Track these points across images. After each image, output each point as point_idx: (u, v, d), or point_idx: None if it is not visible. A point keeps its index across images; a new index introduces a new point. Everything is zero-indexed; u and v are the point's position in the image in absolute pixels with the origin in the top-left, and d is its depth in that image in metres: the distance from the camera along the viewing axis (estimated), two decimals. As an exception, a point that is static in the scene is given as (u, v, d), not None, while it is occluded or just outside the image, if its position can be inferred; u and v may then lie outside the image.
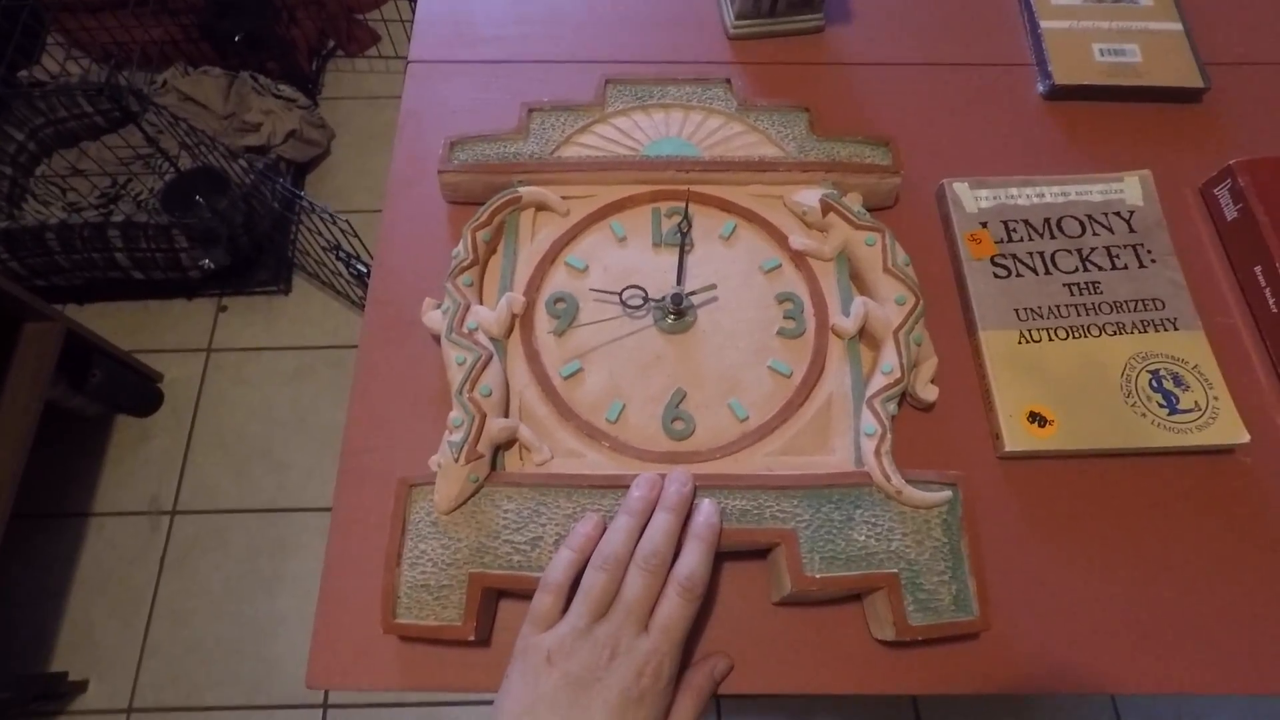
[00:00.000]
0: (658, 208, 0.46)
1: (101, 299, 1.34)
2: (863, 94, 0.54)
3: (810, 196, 0.45)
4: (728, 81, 0.50)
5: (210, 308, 1.36)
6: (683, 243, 0.44)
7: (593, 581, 0.34)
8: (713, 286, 0.43)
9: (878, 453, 0.38)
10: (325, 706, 1.09)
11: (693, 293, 0.43)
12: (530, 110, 0.49)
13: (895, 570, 0.37)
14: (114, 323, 1.32)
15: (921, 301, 0.43)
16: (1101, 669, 0.38)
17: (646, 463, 0.40)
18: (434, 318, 0.43)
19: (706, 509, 0.37)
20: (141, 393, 1.25)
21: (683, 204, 0.46)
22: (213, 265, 1.24)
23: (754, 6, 0.53)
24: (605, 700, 0.32)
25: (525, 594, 0.38)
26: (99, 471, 1.22)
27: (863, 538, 0.37)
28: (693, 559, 0.35)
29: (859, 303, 0.42)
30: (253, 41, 1.41)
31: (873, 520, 0.37)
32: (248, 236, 1.28)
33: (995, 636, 0.39)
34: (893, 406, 0.40)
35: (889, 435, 0.39)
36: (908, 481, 0.38)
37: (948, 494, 0.38)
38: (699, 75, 0.50)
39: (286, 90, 1.40)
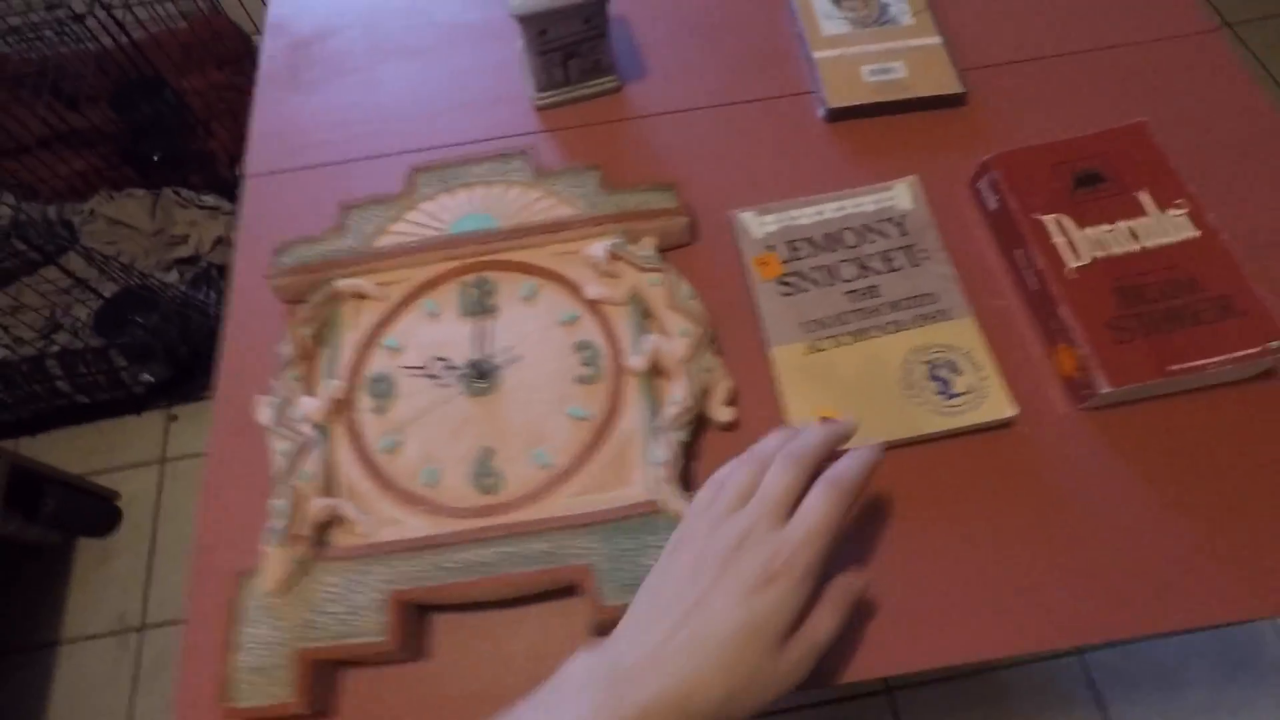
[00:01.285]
0: (465, 280, 0.50)
1: (52, 427, 1.38)
2: (658, 143, 0.58)
3: (600, 248, 0.49)
4: (523, 153, 0.54)
5: (160, 420, 1.40)
6: (480, 310, 0.48)
7: (735, 475, 0.35)
8: (509, 348, 0.47)
9: (665, 480, 0.41)
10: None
11: (490, 357, 0.46)
12: (346, 208, 0.53)
13: (688, 587, 0.39)
14: (67, 448, 1.35)
15: (707, 331, 0.46)
16: (904, 648, 0.40)
17: (461, 519, 0.42)
18: (265, 413, 0.46)
19: (848, 426, 0.38)
20: (99, 513, 1.28)
21: (488, 272, 0.50)
22: (153, 378, 1.28)
23: (548, 78, 0.58)
24: (726, 586, 0.31)
25: (353, 660, 0.41)
26: (64, 597, 1.24)
27: (652, 562, 0.40)
28: (849, 460, 0.35)
29: (649, 341, 0.46)
30: (171, 159, 1.47)
31: (662, 544, 0.40)
32: (186, 346, 1.32)
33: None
34: (683, 434, 0.43)
35: (677, 461, 0.42)
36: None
37: (733, 508, 0.41)
38: (500, 151, 0.54)
39: (210, 199, 1.46)
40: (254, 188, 0.59)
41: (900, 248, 0.50)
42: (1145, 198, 0.48)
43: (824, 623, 0.34)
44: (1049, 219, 0.48)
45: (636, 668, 0.31)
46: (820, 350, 0.47)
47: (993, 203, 0.51)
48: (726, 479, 0.36)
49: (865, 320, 0.48)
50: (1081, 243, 0.47)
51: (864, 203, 0.52)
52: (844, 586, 0.35)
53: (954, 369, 0.46)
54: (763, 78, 0.61)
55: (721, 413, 0.45)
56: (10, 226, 1.42)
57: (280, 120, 0.63)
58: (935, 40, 0.59)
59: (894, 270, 0.49)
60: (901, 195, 0.52)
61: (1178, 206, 0.48)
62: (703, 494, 0.36)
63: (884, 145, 0.56)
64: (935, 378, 0.46)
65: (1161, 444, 0.45)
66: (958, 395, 0.45)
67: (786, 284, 0.49)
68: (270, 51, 0.67)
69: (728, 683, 0.31)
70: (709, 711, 0.30)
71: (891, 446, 0.45)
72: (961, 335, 0.47)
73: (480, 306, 0.49)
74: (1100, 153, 0.50)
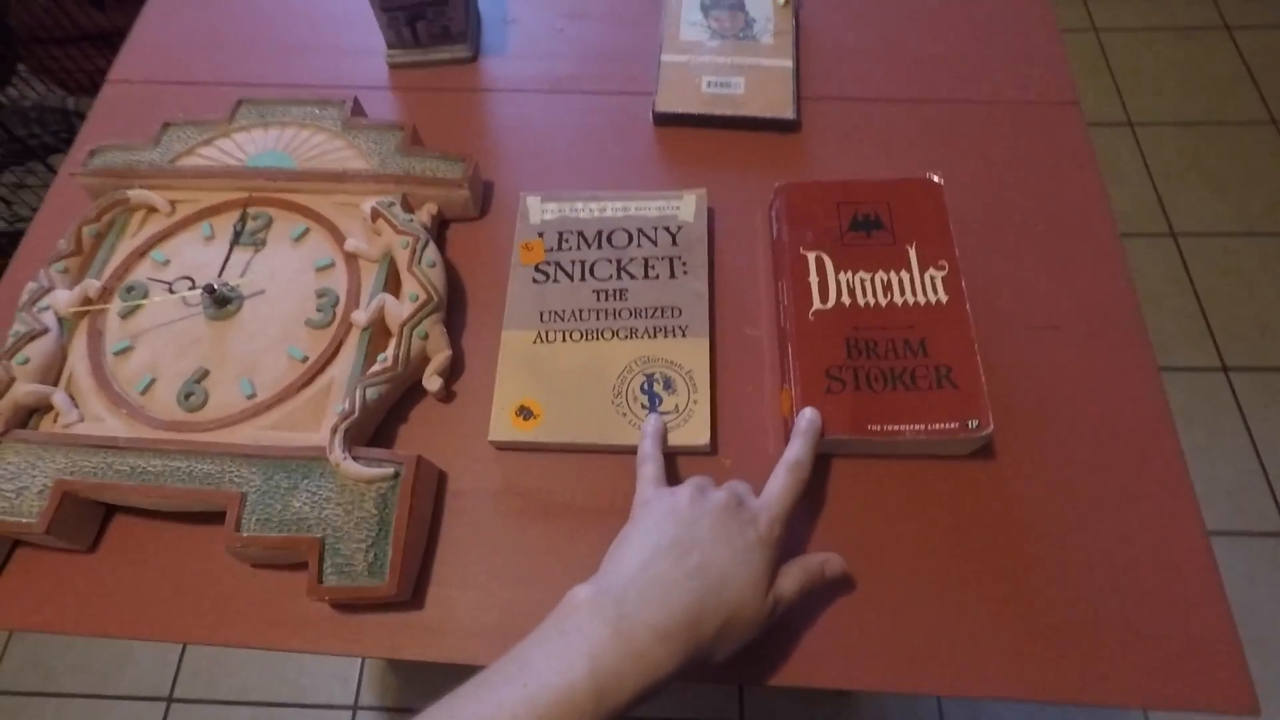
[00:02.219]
0: (248, 212, 0.52)
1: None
2: (494, 119, 0.59)
3: (368, 204, 0.50)
4: (342, 103, 0.55)
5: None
6: (234, 241, 0.49)
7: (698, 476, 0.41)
8: (244, 282, 0.48)
9: (335, 429, 0.42)
10: None
11: (235, 286, 0.48)
12: (166, 124, 0.55)
13: (320, 535, 0.40)
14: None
15: (435, 299, 0.47)
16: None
17: (155, 430, 0.44)
18: (22, 298, 0.49)
19: (809, 413, 0.42)
20: None
21: (269, 209, 0.52)
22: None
23: (396, 36, 0.59)
24: (725, 535, 0.36)
25: (13, 537, 0.43)
26: None
27: (299, 504, 0.41)
28: (797, 446, 0.41)
29: (378, 298, 0.47)
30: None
31: (314, 490, 0.41)
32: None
33: (438, 608, 0.42)
34: (376, 391, 0.44)
35: (355, 415, 0.43)
36: (361, 459, 0.42)
37: (389, 471, 0.41)
38: (323, 98, 0.56)
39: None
40: (110, 93, 0.62)
41: (666, 257, 0.50)
42: (912, 253, 0.47)
43: (792, 581, 0.38)
44: (812, 255, 0.47)
45: (644, 596, 0.34)
46: (547, 342, 0.47)
47: (774, 231, 0.50)
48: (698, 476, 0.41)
49: (602, 322, 0.48)
50: (833, 286, 0.46)
51: (649, 207, 0.51)
52: (820, 560, 0.40)
53: (669, 386, 0.45)
54: (617, 71, 0.61)
55: (431, 381, 0.46)
56: (32, 110, 1.51)
57: (163, 32, 0.65)
58: (786, 63, 0.58)
59: (650, 278, 0.49)
60: (686, 207, 0.51)
61: (938, 268, 0.46)
62: (647, 468, 0.41)
63: (705, 158, 0.56)
64: (646, 391, 0.45)
65: (854, 503, 0.44)
66: (661, 413, 0.45)
67: (541, 271, 0.49)
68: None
69: (721, 623, 0.34)
70: (713, 636, 0.34)
71: (590, 450, 0.45)
72: (691, 355, 0.46)
73: (251, 239, 0.51)
74: (886, 200, 0.49)
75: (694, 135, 0.57)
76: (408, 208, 0.51)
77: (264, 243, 0.51)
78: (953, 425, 0.42)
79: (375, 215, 0.49)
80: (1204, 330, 1.42)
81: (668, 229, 0.51)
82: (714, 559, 0.35)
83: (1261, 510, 1.27)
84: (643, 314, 0.48)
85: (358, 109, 0.56)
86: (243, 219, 0.51)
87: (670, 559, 0.35)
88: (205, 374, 0.46)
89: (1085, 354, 0.47)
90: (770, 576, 0.37)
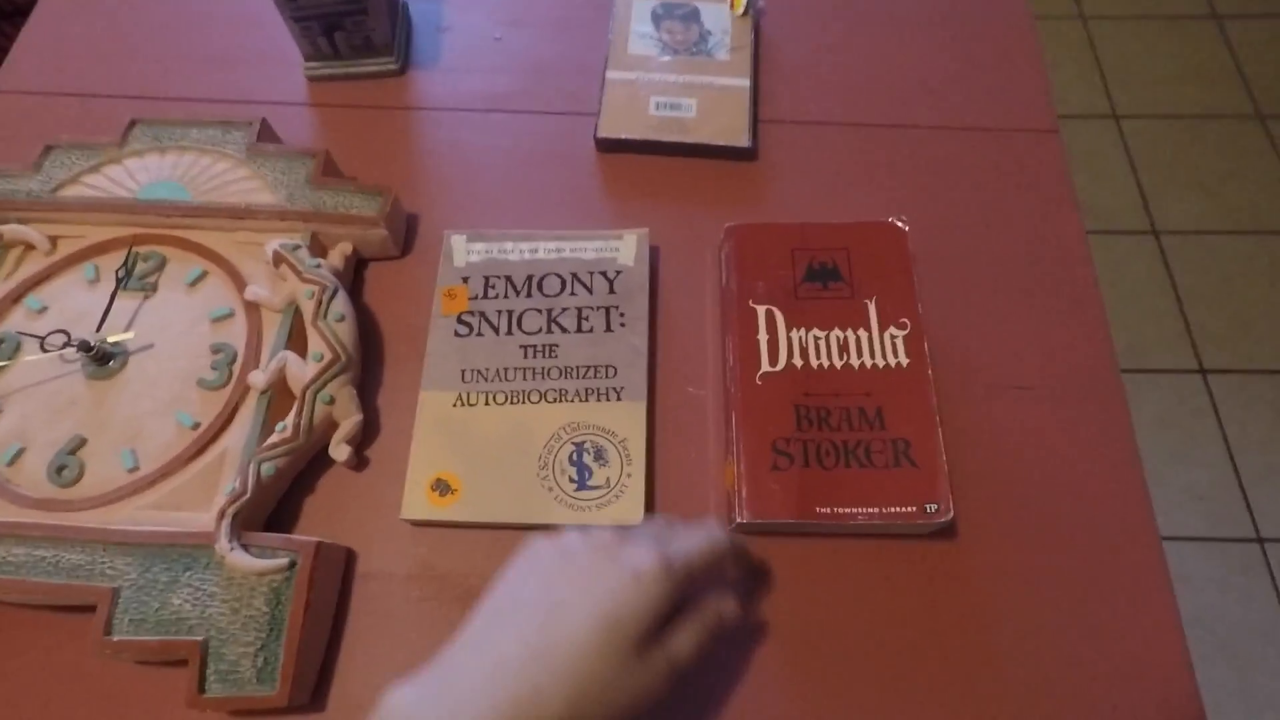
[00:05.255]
0: (138, 252, 0.46)
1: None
2: (419, 140, 0.53)
3: (271, 246, 0.45)
4: (249, 124, 0.49)
5: None
6: (119, 286, 0.44)
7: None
8: (131, 337, 0.43)
9: (222, 512, 0.38)
10: None
11: (118, 342, 0.43)
12: (48, 147, 0.49)
13: (202, 638, 0.36)
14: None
15: (343, 359, 0.42)
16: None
17: (21, 510, 0.39)
18: (-120, 351, 0.44)
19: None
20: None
21: (162, 247, 0.46)
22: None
23: (313, 48, 0.53)
24: (594, 583, 0.29)
25: None
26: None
27: (180, 601, 0.37)
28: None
29: (279, 357, 0.42)
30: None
31: (198, 584, 0.37)
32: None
33: (342, 711, 0.38)
34: (270, 467, 0.39)
35: (247, 496, 0.38)
36: (253, 547, 0.37)
37: (283, 562, 0.37)
38: (226, 118, 0.50)
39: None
40: (6, 104, 0.56)
41: (602, 308, 0.45)
42: (872, 309, 0.43)
43: (687, 637, 0.31)
44: (762, 309, 0.43)
45: (473, 683, 0.28)
46: (469, 405, 0.43)
47: (723, 277, 0.46)
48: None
49: (529, 382, 0.43)
50: (784, 345, 0.42)
51: (586, 249, 0.47)
52: (714, 606, 0.33)
53: (600, 457, 0.41)
54: (558, 88, 0.55)
55: (339, 450, 0.42)
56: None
57: (56, 36, 0.59)
58: (743, 83, 0.52)
59: (583, 332, 0.44)
60: (627, 249, 0.46)
61: (900, 326, 0.42)
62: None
63: (651, 188, 0.51)
64: (575, 463, 0.41)
65: (799, 585, 0.40)
66: (592, 488, 0.40)
67: (464, 323, 0.45)
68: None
69: (572, 693, 0.27)
70: (565, 714, 0.27)
71: (510, 528, 0.41)
72: (625, 421, 0.42)
73: (140, 284, 0.45)
74: (846, 246, 0.44)
75: (640, 162, 0.52)
76: (318, 249, 0.46)
77: (154, 288, 0.45)
78: (909, 509, 0.38)
79: (278, 260, 0.44)
80: (1182, 331, 1.40)
81: (605, 274, 0.46)
82: (571, 620, 0.28)
83: (1234, 516, 1.26)
84: (574, 373, 0.43)
85: (266, 132, 0.50)
86: (129, 261, 0.45)
87: (514, 631, 0.29)
88: (82, 443, 0.41)
89: (1057, 418, 0.43)
90: (649, 629, 0.29)
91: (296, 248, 0.44)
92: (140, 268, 0.46)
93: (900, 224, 0.45)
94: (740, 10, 0.55)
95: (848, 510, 0.38)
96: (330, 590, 0.39)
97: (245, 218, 0.46)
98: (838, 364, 0.41)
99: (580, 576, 0.30)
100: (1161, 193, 1.49)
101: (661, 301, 0.47)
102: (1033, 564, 0.40)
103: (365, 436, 0.43)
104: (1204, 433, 1.31)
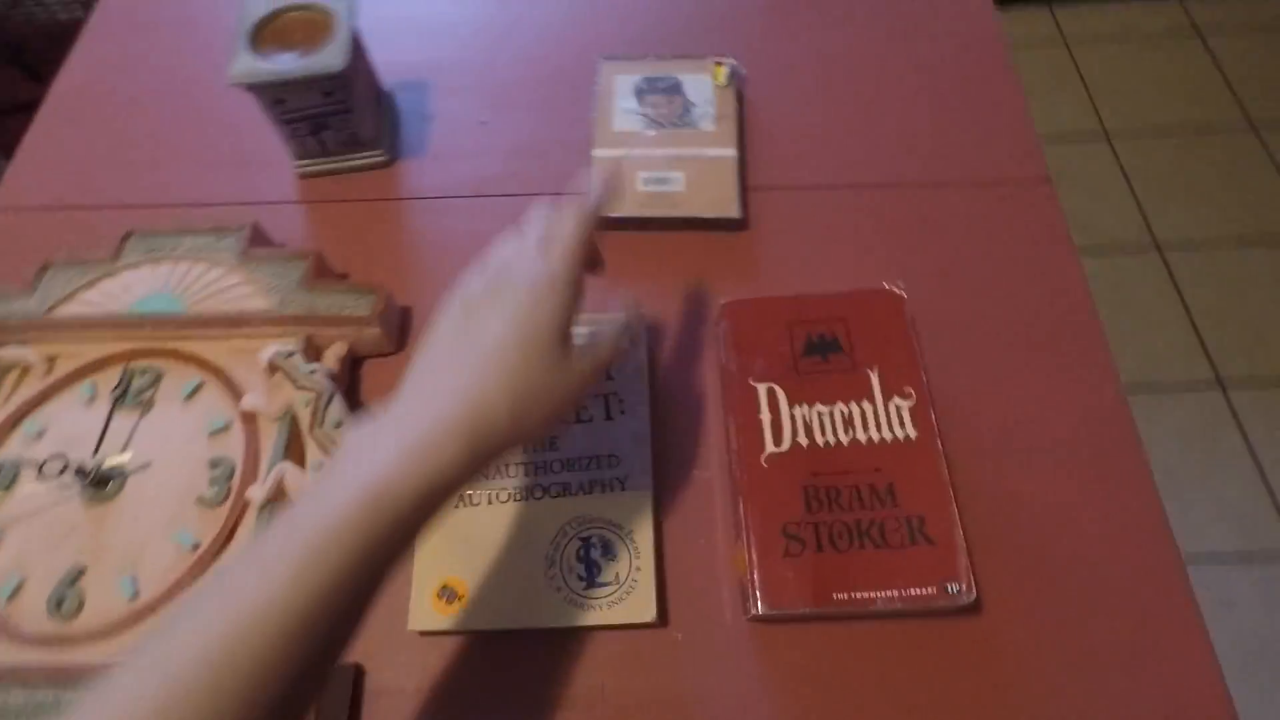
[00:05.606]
0: (134, 367, 0.46)
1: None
2: (417, 231, 0.54)
3: (266, 353, 0.44)
4: (240, 229, 0.50)
5: None
6: (115, 405, 0.44)
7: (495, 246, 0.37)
8: (128, 459, 0.43)
9: (224, 642, 0.37)
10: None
11: (118, 463, 0.42)
12: (44, 266, 0.49)
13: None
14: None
15: (341, 467, 0.41)
16: None
17: (20, 648, 0.39)
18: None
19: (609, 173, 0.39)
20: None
21: (157, 360, 0.46)
22: None
23: (302, 148, 0.53)
24: (497, 303, 0.32)
25: None
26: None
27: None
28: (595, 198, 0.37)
29: (277, 468, 0.41)
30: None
31: None
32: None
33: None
34: (272, 586, 0.39)
35: (248, 620, 0.37)
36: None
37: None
38: (219, 223, 0.50)
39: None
40: (3, 222, 0.57)
41: (600, 395, 0.44)
42: (874, 379, 0.42)
43: (605, 333, 0.36)
44: (763, 388, 0.42)
45: (418, 405, 0.31)
46: (471, 504, 0.42)
47: (721, 356, 0.45)
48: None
49: (531, 477, 0.42)
50: (788, 424, 0.41)
51: (579, 334, 0.46)
52: (626, 307, 0.39)
53: (607, 551, 0.40)
54: (546, 169, 0.55)
55: (340, 562, 0.41)
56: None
57: (52, 150, 0.60)
58: (730, 153, 0.52)
59: (583, 421, 0.44)
60: (622, 333, 0.46)
61: (904, 396, 0.41)
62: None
63: (643, 264, 0.51)
64: (583, 559, 0.40)
65: (830, 673, 0.38)
66: (602, 585, 0.39)
67: (463, 420, 0.44)
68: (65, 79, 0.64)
69: (512, 392, 0.30)
70: (499, 426, 0.30)
71: (525, 635, 0.40)
72: (630, 512, 0.41)
73: (136, 400, 0.45)
74: (843, 316, 0.44)
75: (630, 239, 0.51)
76: (313, 352, 0.46)
77: (151, 404, 0.45)
78: (930, 590, 0.37)
79: (273, 368, 0.44)
80: (1196, 345, 1.38)
81: (603, 359, 0.45)
82: (488, 332, 0.31)
83: (1272, 529, 1.22)
84: (576, 465, 0.42)
85: (258, 235, 0.50)
86: (124, 378, 0.45)
87: (445, 356, 0.32)
88: (81, 572, 0.40)
89: (1074, 478, 0.42)
90: (563, 327, 0.32)
91: (290, 354, 0.44)
92: (136, 383, 0.46)
93: (897, 290, 0.44)
94: (723, 81, 0.55)
95: (866, 594, 0.37)
96: (340, 711, 0.38)
97: (239, 325, 0.46)
98: (844, 440, 0.40)
99: (493, 300, 0.33)
100: (1161, 209, 1.48)
101: (658, 382, 0.46)
102: (1060, 635, 0.38)
103: (368, 542, 0.43)
104: (1229, 447, 1.28)
